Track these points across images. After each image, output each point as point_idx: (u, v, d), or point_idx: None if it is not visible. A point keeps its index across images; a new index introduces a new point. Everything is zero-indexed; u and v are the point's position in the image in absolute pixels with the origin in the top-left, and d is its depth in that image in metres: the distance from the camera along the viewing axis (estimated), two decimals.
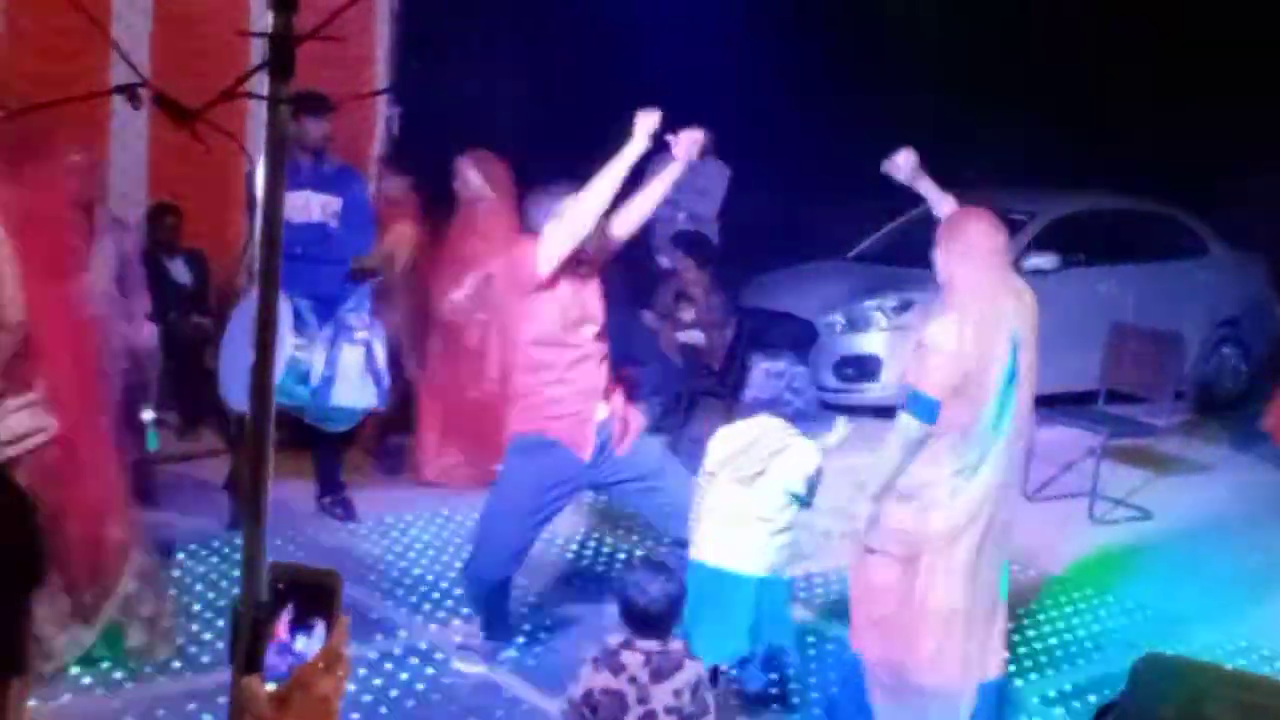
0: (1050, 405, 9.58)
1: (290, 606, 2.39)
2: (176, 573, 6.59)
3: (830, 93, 15.28)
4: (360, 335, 7.05)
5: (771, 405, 5.25)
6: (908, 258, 9.64)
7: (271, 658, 2.32)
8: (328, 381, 6.92)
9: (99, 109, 8.47)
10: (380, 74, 9.27)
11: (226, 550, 6.95)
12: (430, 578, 6.96)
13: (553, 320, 5.59)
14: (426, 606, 6.60)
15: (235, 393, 6.95)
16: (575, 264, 5.61)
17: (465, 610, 6.50)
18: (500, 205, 7.42)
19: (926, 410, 4.82)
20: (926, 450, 4.93)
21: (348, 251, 7.44)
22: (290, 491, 7.45)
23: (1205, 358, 11.38)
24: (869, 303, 10.57)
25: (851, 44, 15.83)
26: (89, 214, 6.48)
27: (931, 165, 5.63)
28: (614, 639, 4.33)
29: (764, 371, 5.33)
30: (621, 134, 5.50)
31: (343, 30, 2.25)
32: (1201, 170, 14.46)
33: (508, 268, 5.87)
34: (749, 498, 5.15)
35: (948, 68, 14.43)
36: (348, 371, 6.98)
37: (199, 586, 6.57)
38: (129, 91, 2.45)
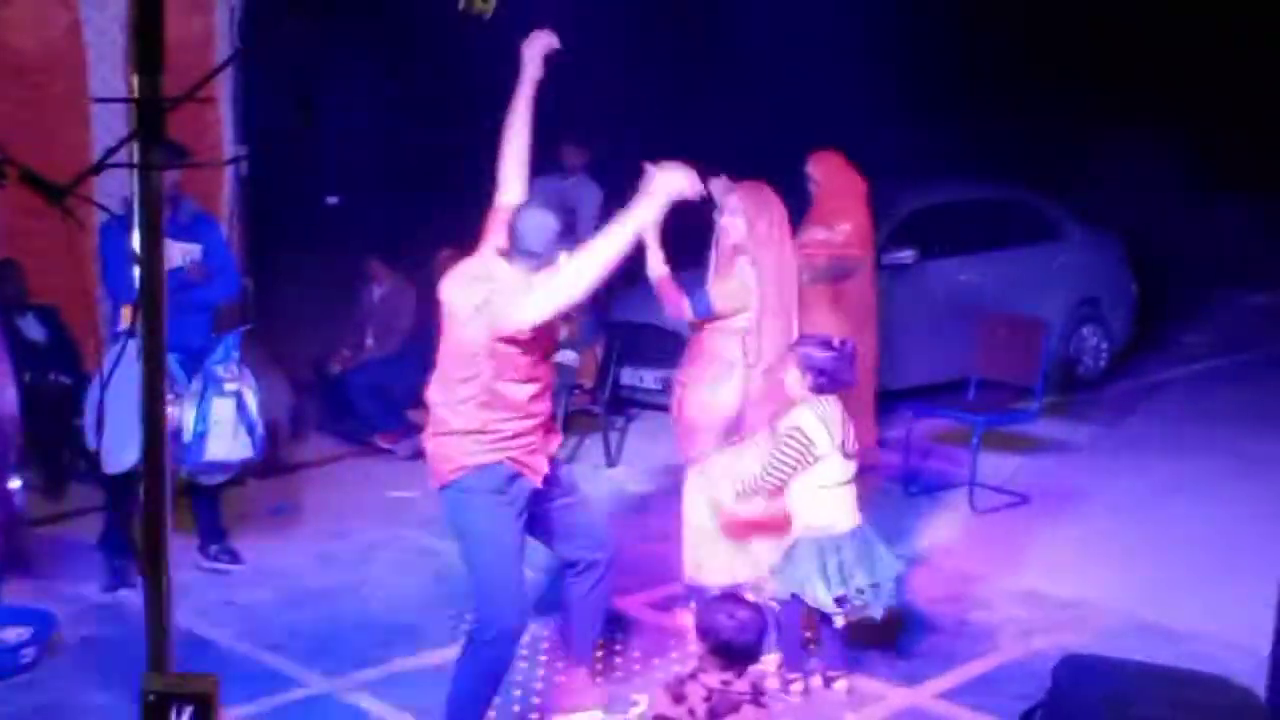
0: (922, 396, 9.70)
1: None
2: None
3: (688, 92, 15.35)
4: (230, 387, 6.91)
5: (834, 381, 5.90)
6: None
7: None
8: (200, 437, 6.79)
9: None
10: (225, 115, 9.06)
11: (104, 614, 6.77)
12: (319, 626, 6.81)
13: (523, 364, 5.10)
14: (319, 657, 6.43)
15: (110, 454, 6.75)
16: None
17: (355, 657, 6.39)
18: None
19: (704, 307, 6.29)
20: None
21: (212, 299, 7.29)
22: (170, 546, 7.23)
23: (1067, 338, 11.57)
24: None
25: (710, 42, 15.88)
26: None
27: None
28: (685, 667, 4.59)
29: (811, 355, 5.88)
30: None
31: (209, 91, 2.18)
32: (1055, 153, 14.75)
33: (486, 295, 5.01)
34: (850, 464, 5.96)
35: (805, 62, 14.47)
36: (220, 424, 6.84)
37: (78, 652, 6.38)
38: None
